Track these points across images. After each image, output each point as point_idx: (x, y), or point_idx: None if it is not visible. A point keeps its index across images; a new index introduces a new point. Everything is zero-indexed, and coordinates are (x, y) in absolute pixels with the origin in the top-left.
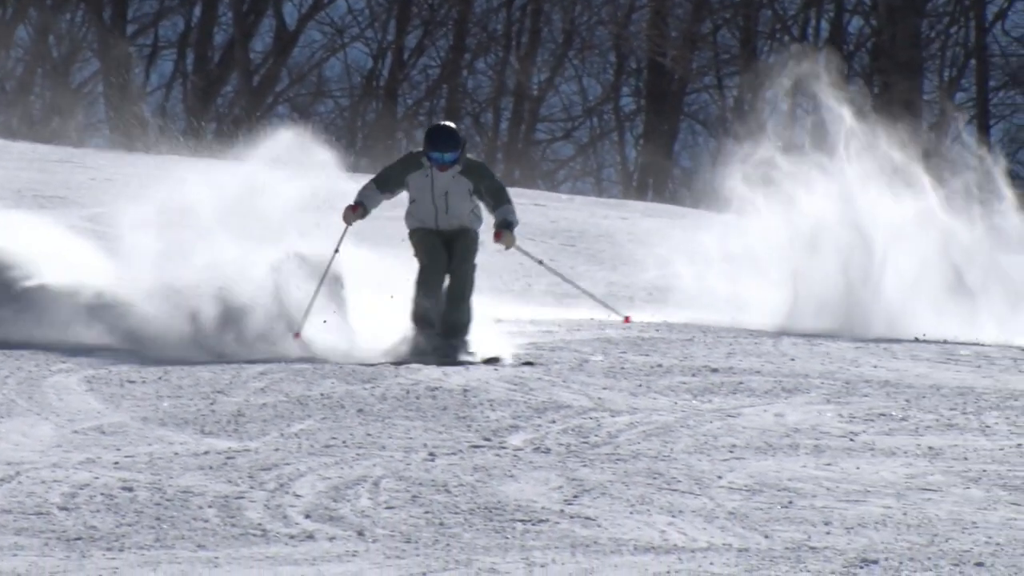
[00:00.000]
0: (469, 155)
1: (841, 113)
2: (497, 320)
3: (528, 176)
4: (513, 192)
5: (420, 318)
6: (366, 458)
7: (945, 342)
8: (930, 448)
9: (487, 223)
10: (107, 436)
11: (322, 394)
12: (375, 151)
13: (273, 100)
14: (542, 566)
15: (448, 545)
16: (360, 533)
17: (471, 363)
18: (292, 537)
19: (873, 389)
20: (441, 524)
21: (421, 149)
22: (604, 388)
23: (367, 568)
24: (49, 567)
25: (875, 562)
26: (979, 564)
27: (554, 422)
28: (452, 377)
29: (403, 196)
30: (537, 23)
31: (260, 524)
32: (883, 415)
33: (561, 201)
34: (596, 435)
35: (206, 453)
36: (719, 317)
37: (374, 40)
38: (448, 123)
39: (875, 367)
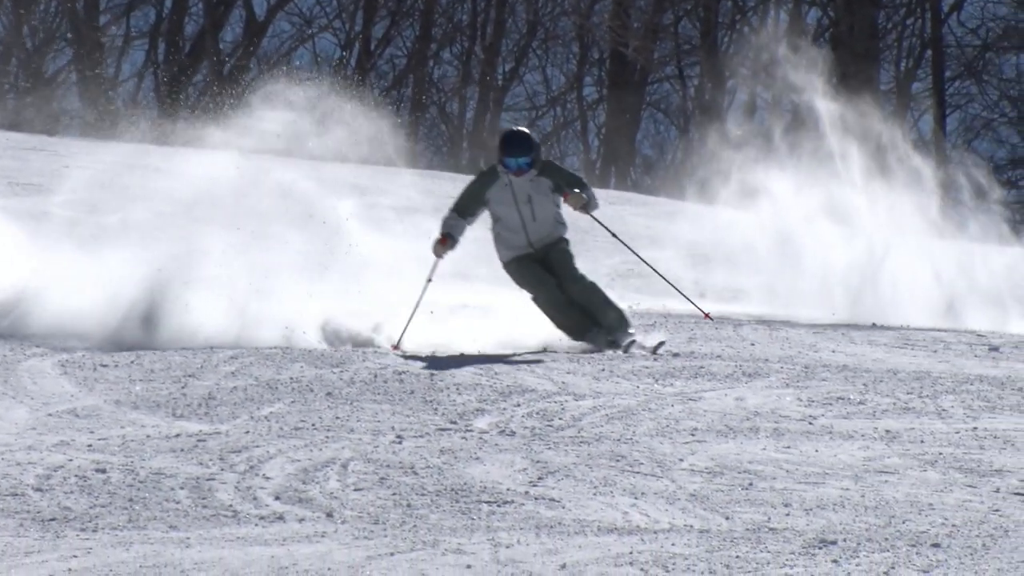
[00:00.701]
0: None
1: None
2: (464, 305)
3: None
4: None
5: (573, 329)
6: (335, 441)
7: (902, 328)
8: (887, 431)
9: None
10: (81, 419)
11: (291, 378)
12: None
13: (243, 88)
14: (507, 547)
15: (415, 526)
16: (329, 514)
17: (643, 351)
18: (262, 518)
19: (831, 373)
20: (408, 506)
21: (494, 163)
22: (568, 372)
23: (336, 549)
24: (24, 547)
25: (833, 543)
26: (935, 545)
27: (519, 406)
28: (418, 361)
29: (486, 218)
30: (502, 14)
31: (231, 505)
32: (841, 399)
33: None
34: (560, 418)
35: (178, 436)
36: (681, 304)
37: (342, 30)
38: (521, 128)
39: (833, 352)
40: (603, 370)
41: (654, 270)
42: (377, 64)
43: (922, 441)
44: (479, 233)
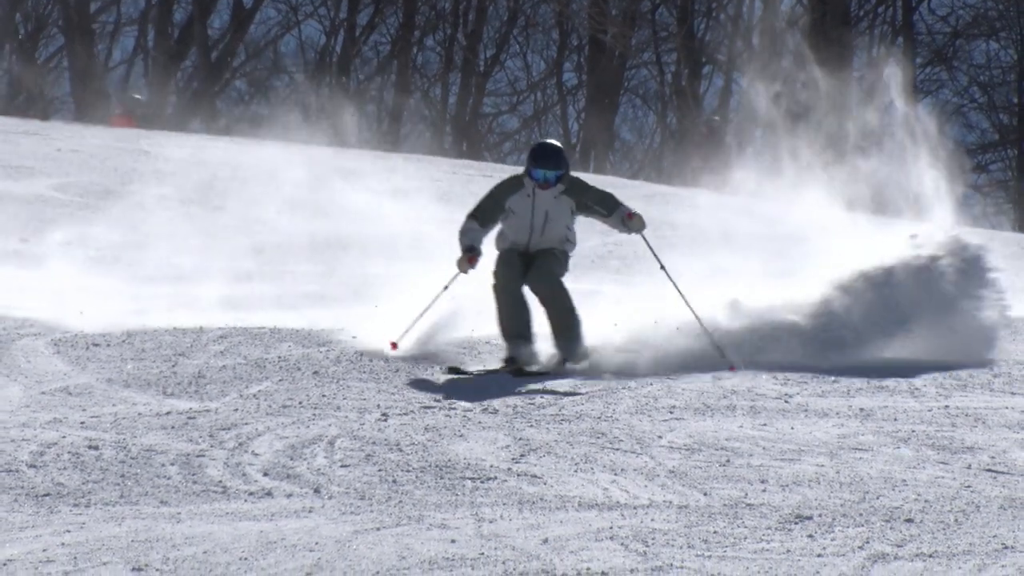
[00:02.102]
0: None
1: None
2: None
3: (475, 148)
4: (461, 164)
5: (509, 331)
6: (322, 418)
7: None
8: (861, 409)
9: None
10: (73, 397)
11: (279, 357)
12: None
13: (230, 75)
14: (491, 522)
15: (401, 502)
16: (316, 490)
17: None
18: (251, 494)
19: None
20: (394, 482)
21: (522, 172)
22: (550, 352)
23: (323, 523)
24: (19, 522)
25: (809, 518)
26: (909, 520)
27: (502, 385)
28: (403, 342)
29: None
30: (484, 1)
31: (220, 481)
32: (816, 378)
33: (507, 172)
34: (542, 397)
35: (168, 413)
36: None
37: (327, 17)
38: (553, 141)
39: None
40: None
41: (688, 306)
42: (362, 51)
43: (895, 419)
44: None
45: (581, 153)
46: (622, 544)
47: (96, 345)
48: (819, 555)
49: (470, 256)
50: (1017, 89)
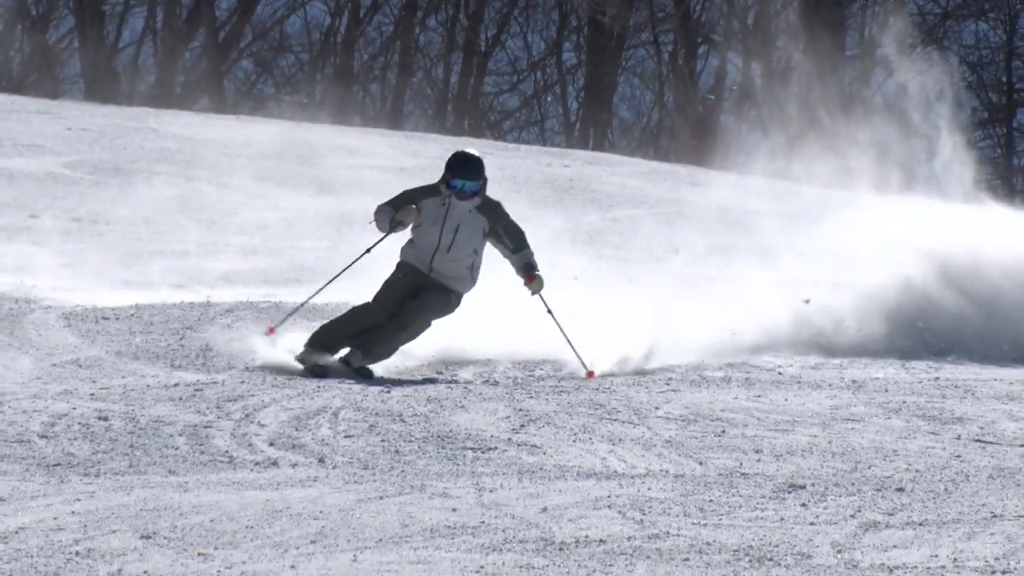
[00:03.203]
0: (488, 195)
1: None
2: None
3: (476, 126)
4: (463, 142)
5: (320, 339)
6: (326, 390)
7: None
8: (853, 381)
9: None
10: (83, 369)
11: (285, 330)
12: (333, 103)
13: (237, 55)
14: (491, 491)
15: (403, 471)
16: (321, 460)
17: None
18: (257, 464)
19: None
20: (397, 452)
21: (438, 182)
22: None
23: (327, 493)
24: (30, 491)
25: (802, 487)
26: (900, 489)
27: (501, 358)
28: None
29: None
30: None
31: (227, 451)
32: (808, 350)
33: (508, 150)
34: (541, 369)
35: (176, 385)
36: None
37: None
38: (474, 151)
39: (806, 303)
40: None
41: (557, 323)
42: (365, 31)
43: (887, 390)
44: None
45: (580, 131)
46: (620, 512)
47: (105, 319)
48: (812, 523)
49: (401, 219)
50: (1005, 68)
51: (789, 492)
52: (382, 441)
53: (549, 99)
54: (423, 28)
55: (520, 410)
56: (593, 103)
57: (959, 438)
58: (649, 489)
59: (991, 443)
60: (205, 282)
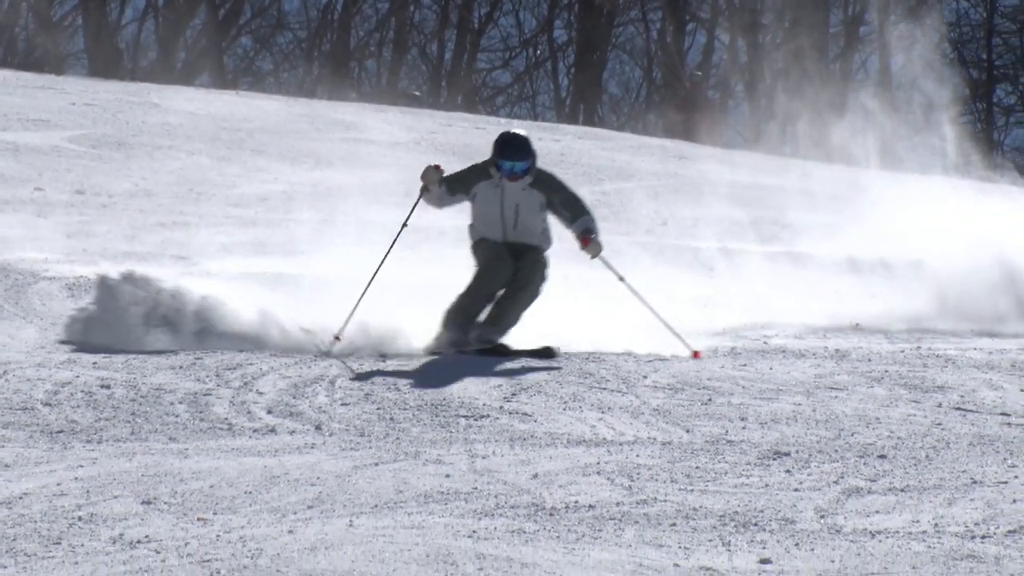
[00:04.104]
0: (539, 167)
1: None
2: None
3: (470, 102)
4: (456, 116)
5: (455, 318)
6: (323, 359)
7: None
8: (837, 351)
9: (558, 244)
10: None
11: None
12: (330, 79)
13: (237, 32)
14: (483, 457)
15: (398, 438)
16: (318, 427)
17: (509, 354)
18: (256, 431)
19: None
20: (392, 419)
21: (489, 162)
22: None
23: (324, 459)
24: (34, 457)
25: (787, 454)
26: (882, 456)
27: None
28: (399, 283)
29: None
30: None
31: (226, 419)
32: (793, 320)
33: (500, 125)
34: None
35: (176, 354)
36: (646, 234)
37: None
38: (519, 131)
39: (788, 275)
40: (568, 294)
41: (644, 302)
42: (362, 8)
43: (869, 360)
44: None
45: (571, 107)
46: (608, 479)
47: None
48: (796, 489)
49: (436, 165)
50: (986, 46)
51: (774, 459)
52: (377, 409)
53: (540, 75)
54: (417, 6)
55: (512, 379)
56: (583, 79)
57: (940, 406)
58: (637, 456)
59: (971, 411)
60: (206, 253)
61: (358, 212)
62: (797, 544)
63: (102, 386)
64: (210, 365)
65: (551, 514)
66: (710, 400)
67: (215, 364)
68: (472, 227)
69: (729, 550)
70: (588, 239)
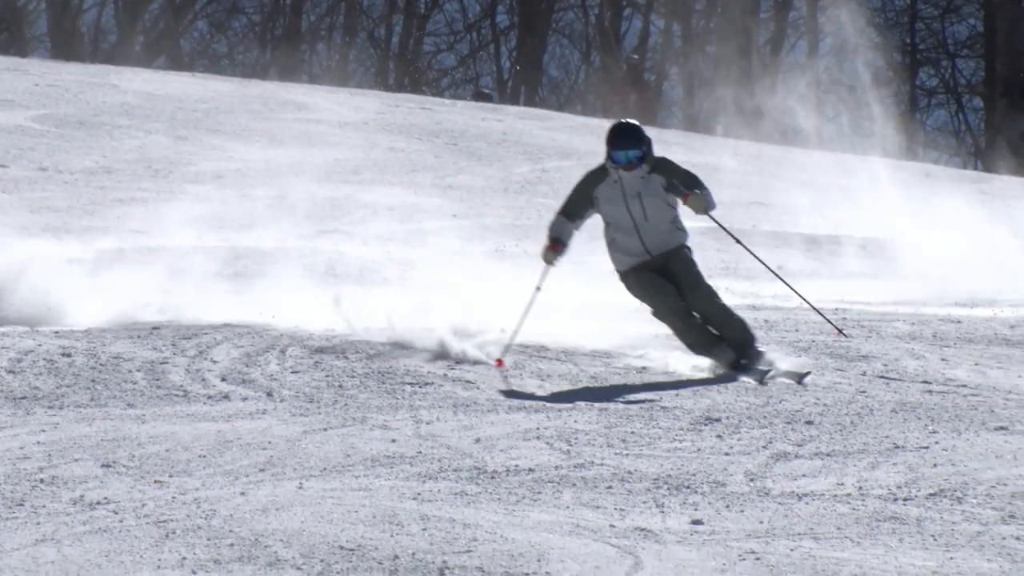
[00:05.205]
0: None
1: None
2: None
3: (416, 83)
4: (403, 97)
5: (697, 343)
6: (273, 329)
7: (777, 232)
8: (766, 321)
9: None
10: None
11: (235, 273)
12: (282, 61)
13: (193, 16)
14: (428, 423)
15: (346, 405)
16: (269, 394)
17: (774, 376)
18: (210, 397)
19: (713, 271)
20: (340, 387)
21: (603, 162)
22: (482, 269)
23: (275, 424)
24: None
25: (718, 420)
26: (809, 422)
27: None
28: (349, 258)
29: (597, 227)
30: None
31: (182, 386)
32: (726, 292)
33: (445, 105)
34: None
35: (134, 324)
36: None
37: None
38: (630, 120)
39: (717, 251)
40: (513, 265)
41: (783, 279)
42: None
43: (797, 330)
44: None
45: (512, 88)
46: (547, 443)
47: (70, 263)
48: (727, 453)
49: (554, 245)
50: (909, 30)
51: (705, 424)
52: (326, 376)
53: (484, 58)
54: None
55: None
56: (524, 62)
57: (864, 375)
58: (575, 421)
59: (894, 379)
60: (163, 227)
61: (309, 189)
62: (728, 506)
63: (63, 354)
64: (166, 335)
65: (492, 477)
66: (644, 368)
67: (171, 334)
68: (611, 242)
69: (663, 511)
70: (690, 194)
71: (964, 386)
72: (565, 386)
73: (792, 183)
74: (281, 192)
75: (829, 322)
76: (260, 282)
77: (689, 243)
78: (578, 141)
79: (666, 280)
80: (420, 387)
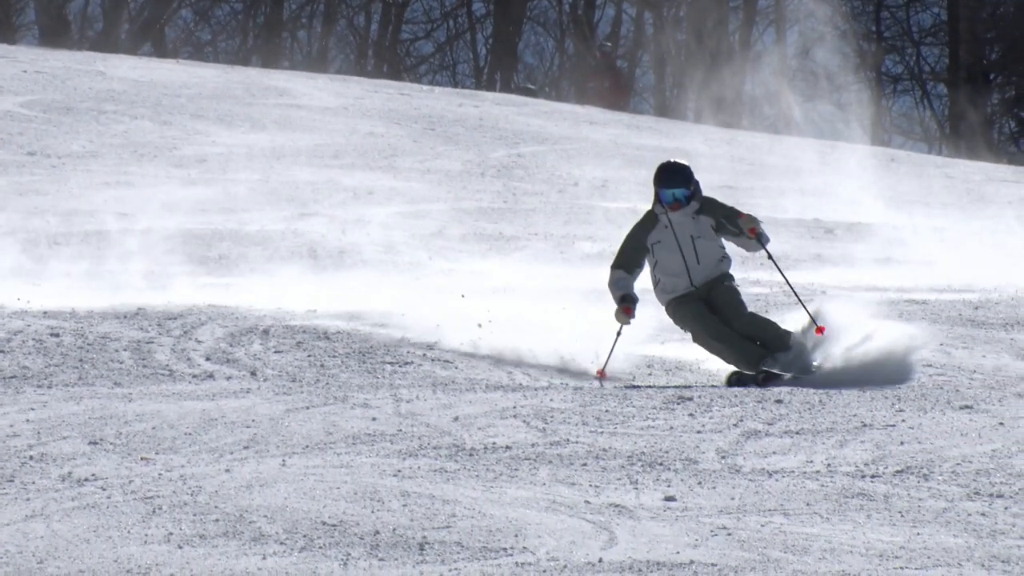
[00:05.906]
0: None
1: None
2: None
3: (394, 70)
4: (382, 84)
5: (744, 359)
6: (258, 309)
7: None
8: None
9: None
10: (36, 289)
11: (219, 255)
12: (264, 49)
13: (177, 4)
14: (408, 401)
15: (328, 384)
16: (253, 373)
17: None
18: (195, 376)
19: None
20: (322, 366)
21: (651, 207)
22: (459, 252)
23: (259, 403)
24: None
25: (690, 399)
26: (778, 401)
27: (418, 279)
28: (330, 240)
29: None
30: None
31: (167, 365)
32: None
33: (423, 91)
34: (462, 299)
35: (121, 305)
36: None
37: None
38: (678, 160)
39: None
40: (490, 249)
41: (795, 293)
42: None
43: (767, 312)
44: None
45: (488, 75)
46: (524, 421)
47: (57, 244)
48: (699, 431)
49: (626, 307)
50: (875, 19)
51: (678, 403)
52: (308, 356)
53: (460, 45)
54: None
55: (435, 327)
56: (500, 49)
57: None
58: (551, 400)
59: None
60: (149, 209)
61: (290, 173)
62: (700, 482)
63: (52, 334)
64: (152, 315)
65: (471, 454)
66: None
67: (157, 314)
68: (656, 282)
69: (636, 488)
70: (742, 213)
71: (930, 366)
72: (540, 364)
73: (761, 168)
74: (263, 176)
75: (812, 319)
76: (243, 264)
77: (732, 270)
78: (552, 127)
79: (708, 309)
80: (400, 367)
